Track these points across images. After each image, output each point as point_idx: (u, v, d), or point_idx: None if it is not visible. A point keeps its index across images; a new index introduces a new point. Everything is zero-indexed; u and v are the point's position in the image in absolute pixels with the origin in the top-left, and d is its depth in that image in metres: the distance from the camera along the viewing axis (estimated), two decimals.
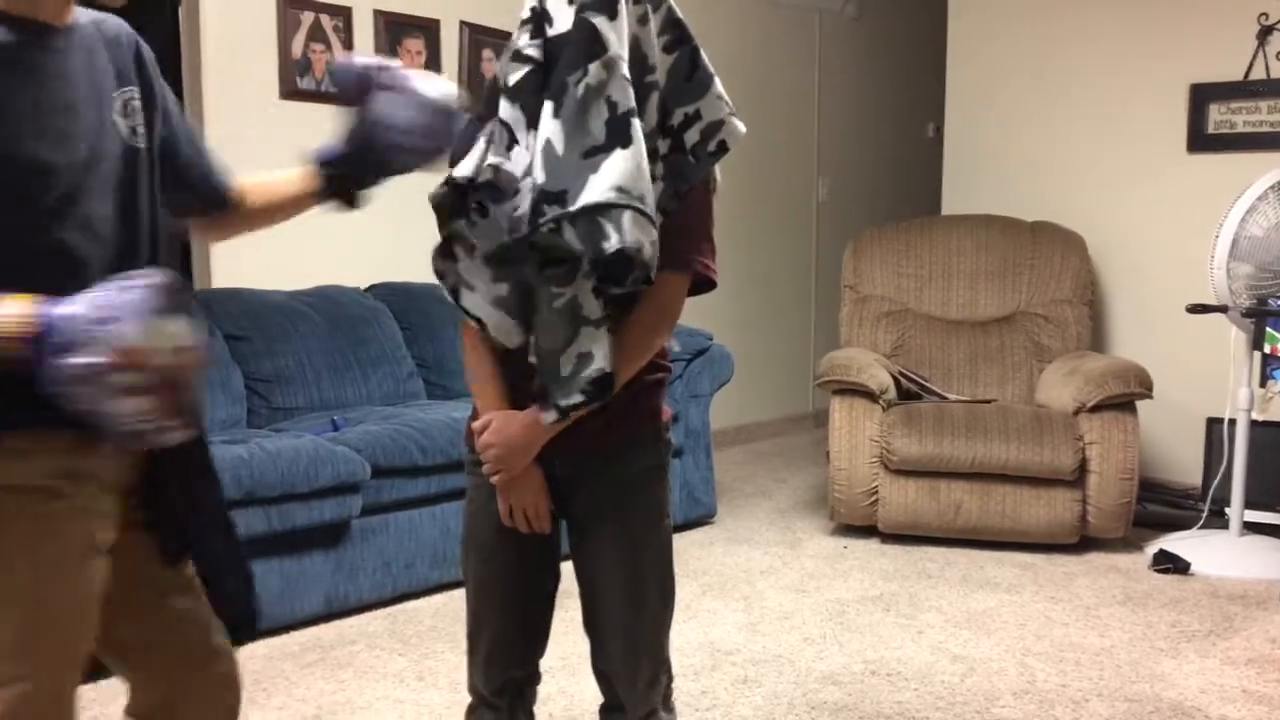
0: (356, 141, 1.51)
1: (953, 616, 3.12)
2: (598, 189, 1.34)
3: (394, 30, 4.04)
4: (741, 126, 1.49)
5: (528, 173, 1.42)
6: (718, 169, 1.55)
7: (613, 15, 1.37)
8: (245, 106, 3.76)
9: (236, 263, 3.75)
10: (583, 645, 1.63)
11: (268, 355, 3.45)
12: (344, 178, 1.53)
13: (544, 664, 1.68)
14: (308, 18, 3.83)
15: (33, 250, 1.21)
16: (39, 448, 1.22)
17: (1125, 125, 4.43)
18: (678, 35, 1.46)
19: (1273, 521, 3.75)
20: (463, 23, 4.25)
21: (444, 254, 1.48)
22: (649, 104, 1.43)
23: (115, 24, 1.38)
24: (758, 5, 5.49)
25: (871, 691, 2.61)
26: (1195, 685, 2.64)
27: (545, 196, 1.36)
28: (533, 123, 1.43)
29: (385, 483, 3.09)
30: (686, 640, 2.90)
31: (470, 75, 4.29)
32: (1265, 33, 4.12)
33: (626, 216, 1.34)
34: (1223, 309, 3.59)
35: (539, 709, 1.71)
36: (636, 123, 1.37)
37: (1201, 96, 4.25)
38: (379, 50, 4.02)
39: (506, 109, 1.43)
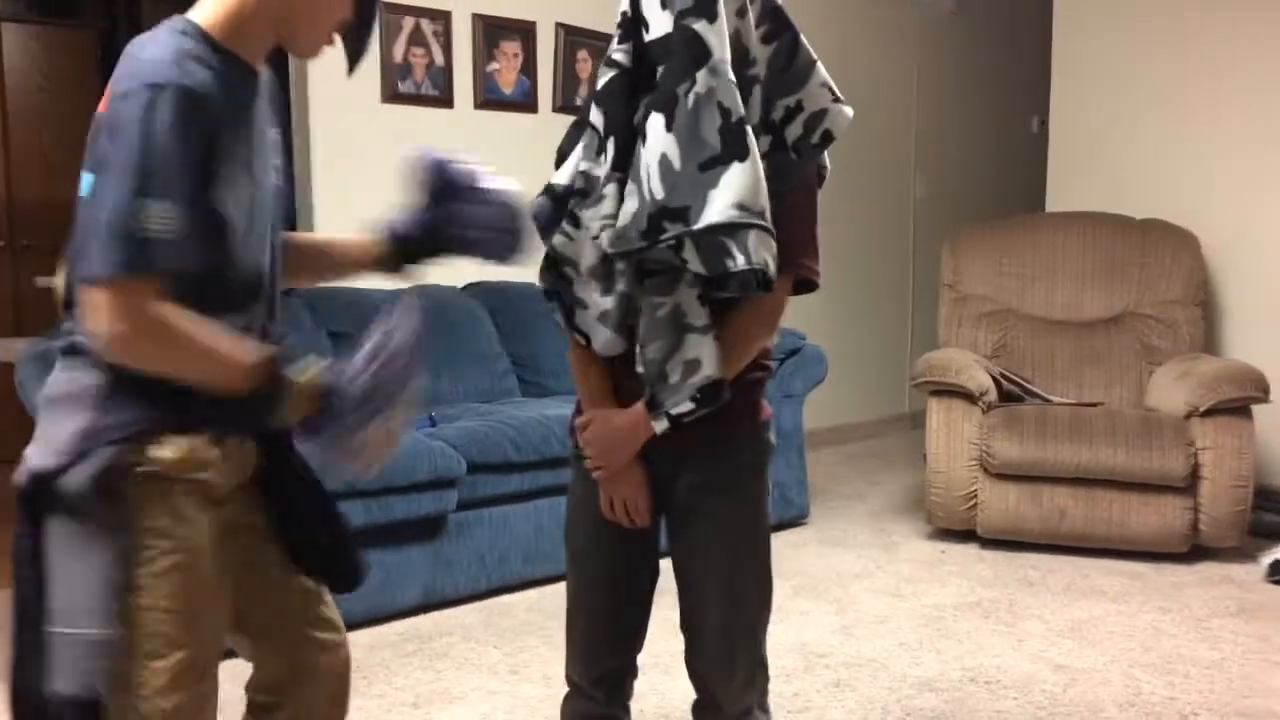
0: (427, 229, 1.54)
1: (1055, 625, 3.03)
2: (719, 207, 1.33)
3: (491, 33, 4.10)
4: (848, 112, 1.47)
5: (610, 179, 1.43)
6: (828, 157, 1.53)
7: (712, 18, 1.36)
8: (349, 111, 3.85)
9: None
10: (676, 643, 1.63)
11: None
12: (408, 254, 1.57)
13: (638, 660, 1.68)
14: (408, 23, 3.91)
15: (228, 278, 1.32)
16: (183, 443, 1.30)
17: (1244, 121, 4.25)
18: (776, 24, 1.45)
19: None
20: (558, 24, 4.29)
21: (555, 275, 1.50)
22: (751, 99, 1.42)
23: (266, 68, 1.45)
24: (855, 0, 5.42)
25: (969, 699, 2.55)
26: None
27: (666, 213, 1.36)
28: (613, 128, 1.43)
29: (480, 478, 3.14)
30: (778, 641, 2.88)
31: (565, 76, 4.33)
32: None
33: (752, 236, 1.34)
34: None
35: (632, 705, 1.72)
36: (749, 130, 1.36)
37: None
38: (478, 52, 4.08)
39: (595, 114, 1.46)
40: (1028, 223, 4.43)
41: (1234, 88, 4.26)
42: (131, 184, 1.17)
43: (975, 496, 3.71)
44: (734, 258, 1.34)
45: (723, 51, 1.36)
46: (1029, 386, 4.00)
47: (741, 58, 1.41)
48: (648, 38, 1.40)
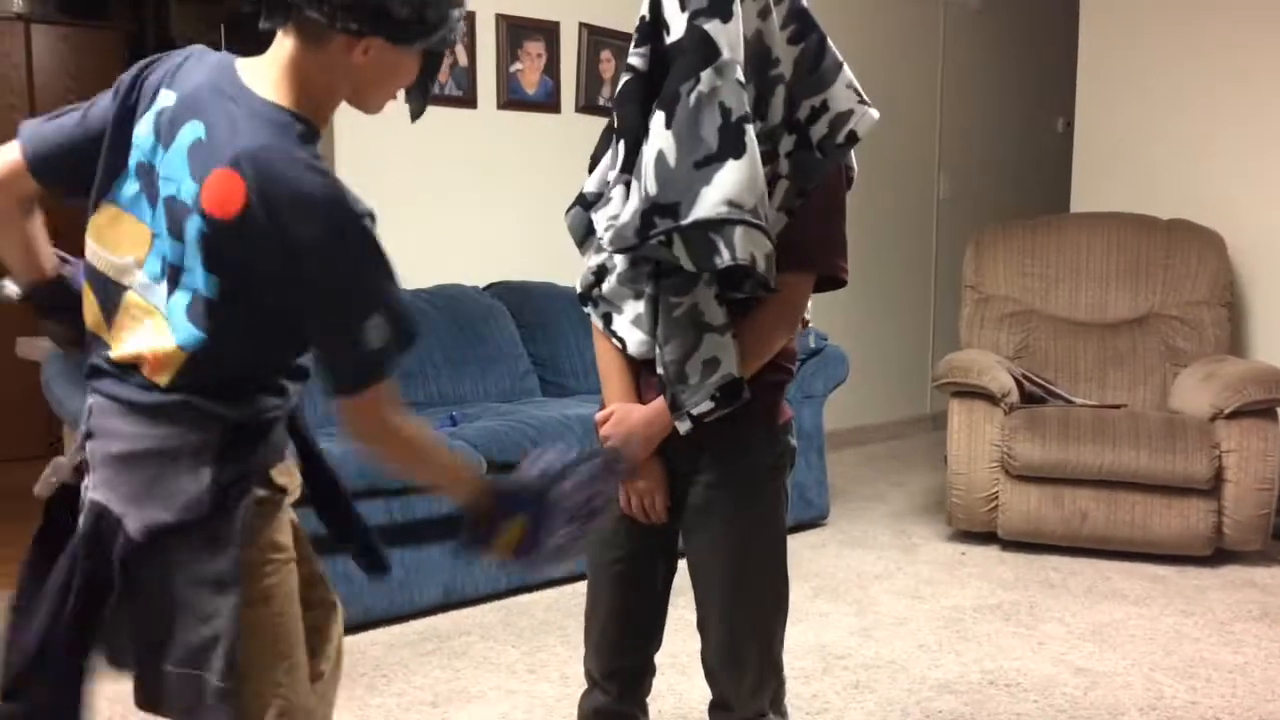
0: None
1: (1076, 628, 3.02)
2: (709, 203, 1.34)
3: (514, 33, 4.11)
4: (873, 114, 1.47)
5: (618, 181, 1.45)
6: (854, 158, 1.53)
7: (726, 17, 1.36)
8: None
9: None
10: (695, 644, 1.63)
11: None
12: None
13: (656, 660, 1.69)
14: None
15: (285, 366, 1.38)
16: (283, 467, 1.41)
17: (1271, 121, 4.20)
18: (803, 25, 1.45)
19: None
20: (582, 24, 4.30)
21: (592, 281, 1.52)
22: (774, 98, 1.42)
23: None
24: None
25: (989, 702, 2.54)
26: None
27: (657, 208, 1.37)
28: (625, 131, 1.45)
29: (500, 478, 3.14)
30: (797, 643, 2.88)
31: (588, 77, 4.34)
32: None
33: (738, 232, 1.34)
34: None
35: (649, 706, 1.72)
36: (750, 130, 1.36)
37: None
38: (501, 52, 4.09)
39: (615, 118, 1.48)
40: (1052, 223, 4.40)
41: (1260, 87, 4.22)
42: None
43: (996, 498, 3.70)
44: (720, 253, 1.34)
45: (733, 52, 1.36)
46: (1051, 388, 3.98)
47: (764, 57, 1.41)
48: (669, 40, 1.41)
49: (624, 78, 1.46)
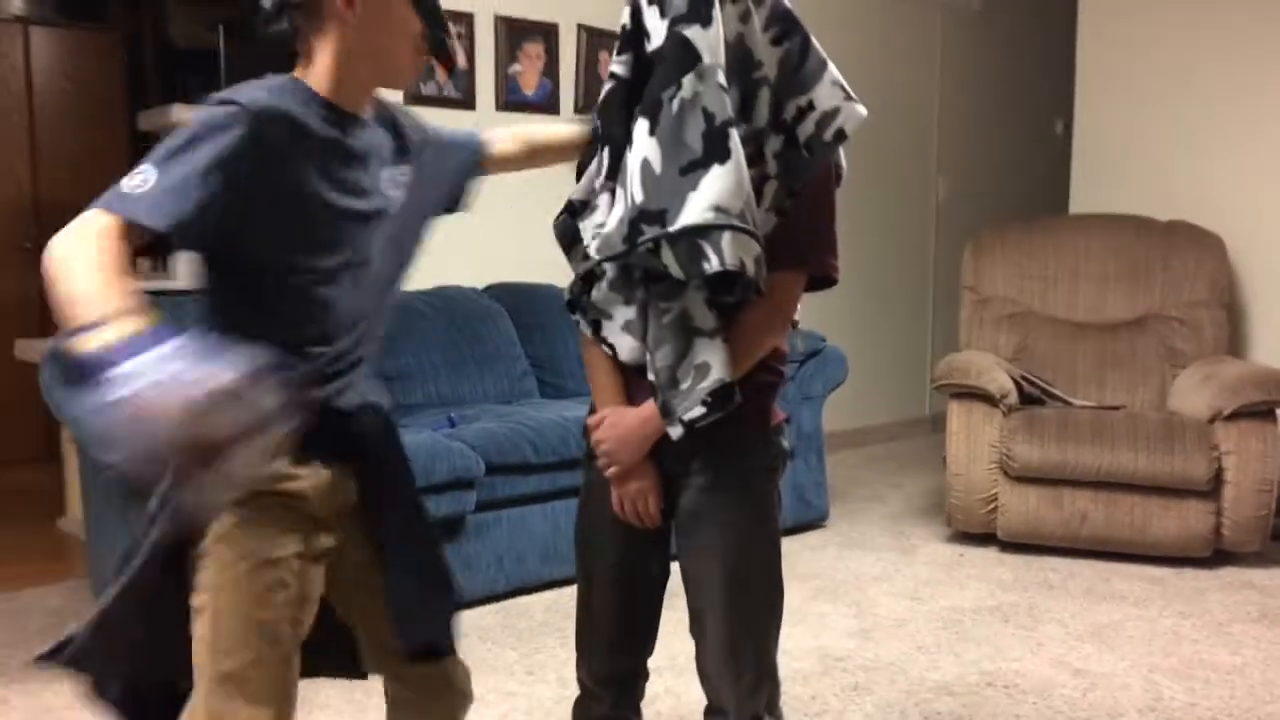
0: None
1: (1075, 630, 3.01)
2: (696, 209, 1.33)
3: (514, 35, 4.12)
4: (861, 110, 1.46)
5: (604, 189, 1.45)
6: (843, 157, 1.53)
7: (706, 23, 1.36)
8: None
9: None
10: (691, 644, 1.63)
11: (388, 353, 3.55)
12: None
13: (653, 663, 1.69)
14: None
15: (309, 300, 1.35)
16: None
17: (1271, 123, 4.21)
18: (786, 26, 1.45)
19: None
20: (580, 26, 4.30)
21: (580, 288, 1.51)
22: (759, 100, 1.42)
23: (390, 103, 1.50)
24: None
25: (987, 704, 2.54)
26: None
27: (644, 216, 1.36)
28: (608, 139, 1.45)
29: (499, 479, 3.15)
30: (796, 645, 2.88)
31: (587, 78, 4.34)
32: None
33: (726, 237, 1.33)
34: None
35: (646, 708, 1.72)
36: (734, 134, 1.36)
37: None
38: (500, 54, 4.10)
39: (598, 125, 1.48)
40: (1050, 225, 4.40)
41: (1261, 89, 4.22)
42: (152, 156, 1.27)
43: (995, 500, 3.70)
44: (709, 259, 1.33)
45: (714, 56, 1.36)
46: (1050, 389, 3.98)
47: (746, 60, 1.41)
48: (650, 47, 1.41)
49: (606, 85, 1.47)
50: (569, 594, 3.20)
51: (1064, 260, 4.27)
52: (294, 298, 1.35)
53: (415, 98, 3.91)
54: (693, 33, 1.36)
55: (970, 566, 3.59)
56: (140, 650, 1.39)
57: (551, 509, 3.30)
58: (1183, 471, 3.47)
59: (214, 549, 1.33)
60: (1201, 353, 3.99)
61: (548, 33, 4.22)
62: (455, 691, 1.57)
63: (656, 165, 1.36)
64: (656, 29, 1.39)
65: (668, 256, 1.36)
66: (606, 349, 1.51)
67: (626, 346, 1.49)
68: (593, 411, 1.58)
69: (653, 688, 1.72)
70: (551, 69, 4.25)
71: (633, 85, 1.44)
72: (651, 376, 1.45)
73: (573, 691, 1.70)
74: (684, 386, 1.42)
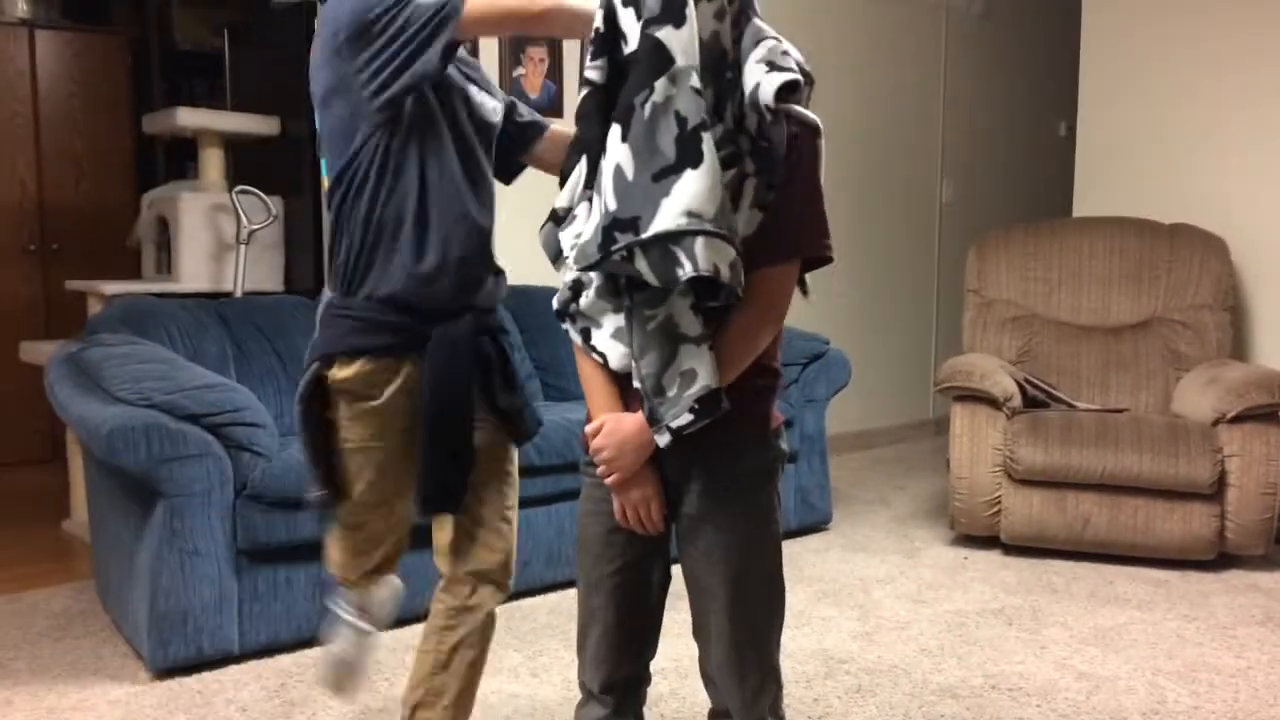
0: None
1: (1079, 633, 3.01)
2: (669, 215, 1.32)
3: (517, 38, 4.12)
4: (778, 78, 1.40)
5: (582, 198, 1.44)
6: (812, 114, 1.47)
7: (679, 23, 1.35)
8: None
9: None
10: (695, 647, 1.63)
11: None
12: None
13: (657, 665, 1.69)
14: None
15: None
16: (362, 366, 1.81)
17: (1274, 126, 4.21)
18: (742, 19, 1.43)
19: None
20: None
21: (569, 296, 1.50)
22: (732, 100, 1.40)
23: None
24: (881, 3, 5.41)
25: (991, 706, 2.54)
26: None
27: (618, 224, 1.35)
28: (586, 147, 1.44)
29: None
30: (800, 647, 2.88)
31: None
32: None
33: (699, 243, 1.32)
34: None
35: (651, 710, 1.72)
36: (707, 137, 1.34)
37: None
38: (504, 57, 4.10)
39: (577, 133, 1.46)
40: (1054, 227, 4.40)
41: (1265, 92, 4.22)
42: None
43: (999, 503, 3.69)
44: (682, 265, 1.32)
45: (687, 58, 1.35)
46: (1054, 392, 3.98)
47: (720, 60, 1.39)
48: (626, 51, 1.39)
49: (582, 92, 1.45)
50: (573, 596, 3.21)
51: (1068, 263, 4.27)
52: None
53: None
54: (665, 34, 1.34)
55: (974, 569, 3.59)
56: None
57: (555, 511, 3.30)
58: (1187, 474, 3.47)
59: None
60: (1205, 356, 3.99)
61: (550, 37, 4.22)
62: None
63: (629, 171, 1.35)
64: (632, 31, 1.38)
65: (641, 264, 1.35)
66: (597, 357, 1.50)
67: (617, 354, 1.48)
68: (589, 419, 1.57)
69: (658, 690, 1.73)
70: (555, 72, 4.26)
71: (609, 90, 1.42)
72: (637, 384, 1.44)
73: (576, 694, 1.70)
74: (670, 394, 1.41)
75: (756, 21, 1.44)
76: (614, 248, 1.35)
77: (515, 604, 3.22)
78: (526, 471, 3.20)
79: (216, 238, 4.18)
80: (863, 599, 3.29)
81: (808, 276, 1.55)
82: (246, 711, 2.49)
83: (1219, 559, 3.56)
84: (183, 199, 4.16)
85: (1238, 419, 3.52)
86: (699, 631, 1.58)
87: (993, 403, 3.71)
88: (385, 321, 1.79)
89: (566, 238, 1.47)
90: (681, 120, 1.34)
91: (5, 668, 2.74)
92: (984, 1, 5.90)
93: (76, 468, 3.86)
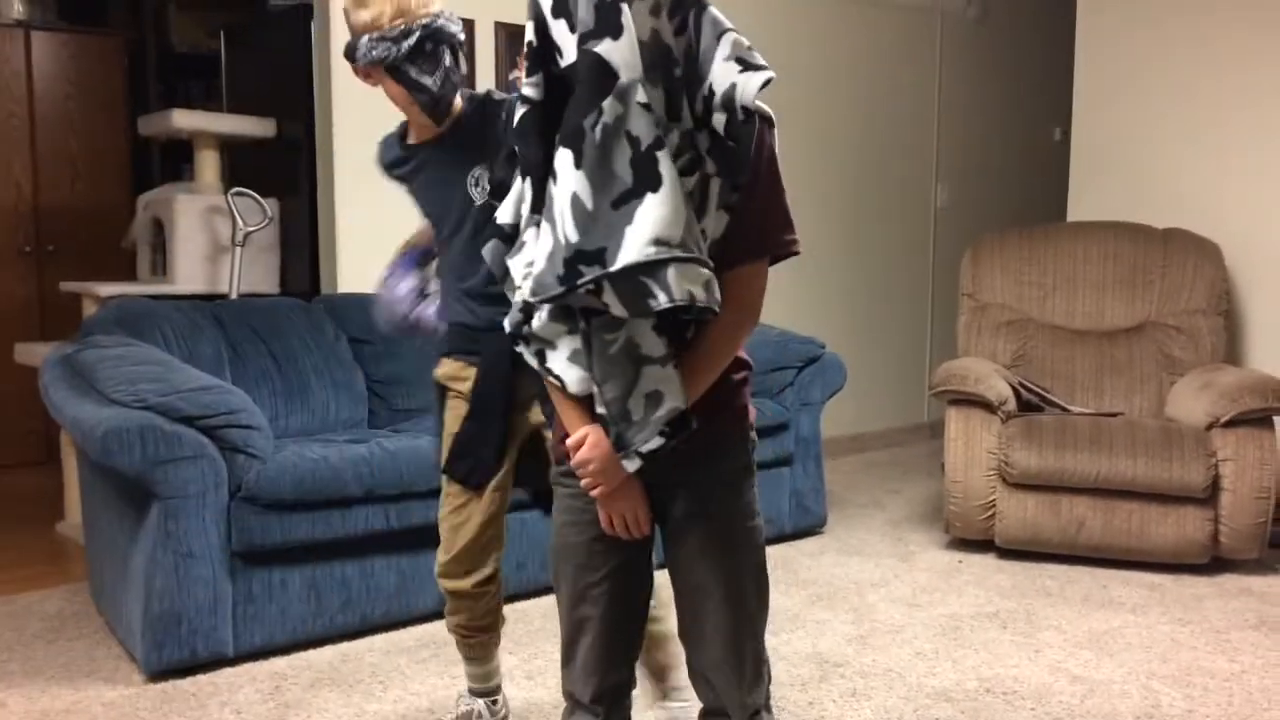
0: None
1: (1073, 636, 3.02)
2: (635, 246, 1.28)
3: (515, 42, 4.13)
4: (758, 77, 1.35)
5: (530, 223, 1.40)
6: (766, 107, 1.43)
7: (616, 33, 1.29)
8: (372, 115, 3.87)
9: (362, 269, 3.88)
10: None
11: (389, 359, 3.56)
12: None
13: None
14: None
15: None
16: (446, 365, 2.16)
17: (1268, 132, 4.22)
18: (683, 12, 1.36)
19: None
20: None
21: (521, 318, 1.45)
22: (689, 98, 1.36)
23: (491, 102, 2.08)
24: (876, 7, 5.42)
25: (985, 709, 2.54)
26: None
27: (582, 256, 1.30)
28: (528, 168, 1.40)
29: None
30: (794, 650, 2.88)
31: None
32: None
33: (670, 271, 1.28)
34: None
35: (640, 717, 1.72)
36: (662, 156, 1.30)
37: None
38: (500, 60, 4.11)
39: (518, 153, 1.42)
40: (1049, 232, 4.41)
41: (1259, 96, 4.24)
42: None
43: (993, 506, 3.70)
44: (655, 297, 1.29)
45: (631, 70, 1.30)
46: (1048, 396, 3.99)
47: (665, 57, 1.33)
48: (562, 64, 1.34)
49: (520, 110, 1.39)
50: None
51: (1062, 267, 4.28)
52: None
53: None
54: (605, 48, 1.29)
55: (968, 573, 3.60)
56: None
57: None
58: (1180, 478, 3.48)
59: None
60: (1199, 360, 4.00)
61: None
62: None
63: (587, 200, 1.30)
64: (566, 44, 1.33)
65: (610, 297, 1.31)
66: (554, 380, 1.45)
67: (574, 378, 1.43)
68: (562, 430, 1.53)
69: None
70: None
71: (546, 107, 1.37)
72: (601, 410, 1.41)
73: None
74: (637, 418, 1.38)
75: (711, 10, 1.38)
76: (580, 281, 1.30)
77: (510, 607, 3.20)
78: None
79: (212, 239, 4.18)
80: (857, 602, 3.30)
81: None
82: (241, 714, 2.49)
83: (1212, 563, 3.57)
84: (178, 201, 4.16)
85: (1231, 423, 3.53)
86: (690, 631, 1.58)
87: (987, 406, 3.72)
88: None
89: (517, 266, 1.43)
90: (634, 141, 1.29)
91: (0, 670, 2.74)
92: (979, 5, 5.92)
93: (71, 469, 3.85)
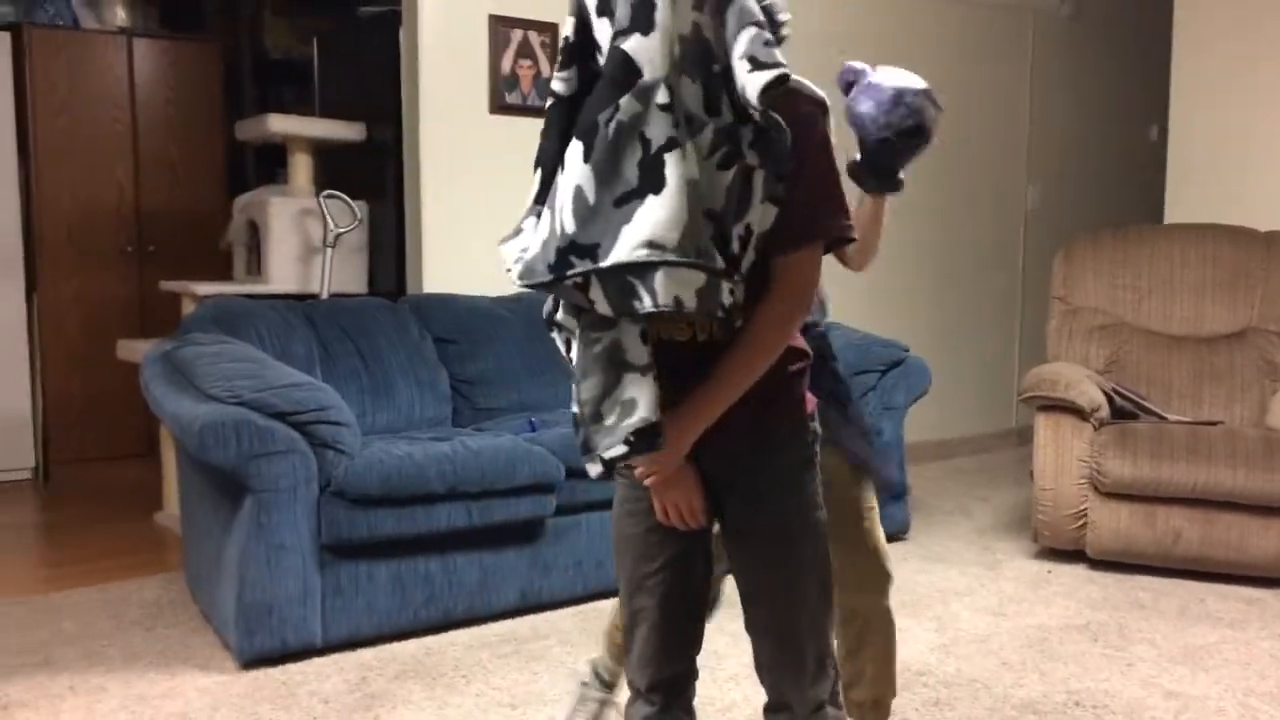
0: (859, 148, 1.84)
1: (1167, 651, 2.93)
2: (627, 245, 1.26)
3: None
4: (760, 79, 1.29)
5: (531, 212, 1.40)
6: (833, 130, 1.42)
7: (647, 29, 1.27)
8: (458, 121, 3.94)
9: (446, 270, 3.94)
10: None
11: (472, 358, 3.61)
12: (875, 176, 1.86)
13: (729, 670, 1.68)
14: (516, 35, 3.98)
15: None
16: None
17: None
18: (722, 5, 1.32)
19: None
20: None
21: (552, 307, 1.46)
22: (729, 93, 1.33)
23: None
24: (967, 5, 5.33)
25: None
26: None
27: (575, 248, 1.29)
28: (542, 159, 1.39)
29: (578, 484, 3.17)
30: None
31: None
32: None
33: (658, 275, 1.25)
34: None
35: (722, 715, 1.72)
36: (671, 159, 1.27)
37: None
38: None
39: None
40: (1144, 234, 4.29)
41: None
42: None
43: (1085, 516, 3.60)
44: (640, 299, 1.26)
45: (655, 70, 1.27)
46: (1143, 403, 3.87)
47: (705, 53, 1.31)
48: (601, 62, 1.33)
49: (549, 104, 1.38)
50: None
51: (1158, 270, 4.16)
52: None
53: (499, 107, 3.97)
54: (632, 45, 1.27)
55: (1057, 583, 3.51)
56: None
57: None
58: None
59: None
60: None
61: None
62: None
63: (590, 194, 1.29)
64: (606, 41, 1.31)
65: (596, 293, 1.29)
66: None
67: None
68: None
69: (729, 695, 1.72)
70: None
71: (574, 103, 1.35)
72: (575, 408, 1.39)
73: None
74: (608, 422, 1.35)
75: (739, 1, 1.33)
76: (569, 272, 1.29)
77: (590, 605, 3.23)
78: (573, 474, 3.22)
79: (304, 241, 4.28)
80: (941, 611, 3.24)
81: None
82: (329, 703, 2.54)
83: None
84: (272, 203, 4.27)
85: None
86: (752, 626, 1.57)
87: (1079, 413, 3.62)
88: None
89: (510, 250, 1.41)
90: (646, 143, 1.27)
91: (99, 655, 2.84)
92: (1073, 3, 5.78)
93: (169, 462, 3.98)
